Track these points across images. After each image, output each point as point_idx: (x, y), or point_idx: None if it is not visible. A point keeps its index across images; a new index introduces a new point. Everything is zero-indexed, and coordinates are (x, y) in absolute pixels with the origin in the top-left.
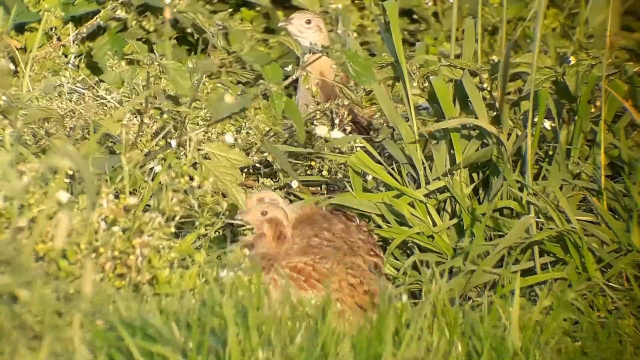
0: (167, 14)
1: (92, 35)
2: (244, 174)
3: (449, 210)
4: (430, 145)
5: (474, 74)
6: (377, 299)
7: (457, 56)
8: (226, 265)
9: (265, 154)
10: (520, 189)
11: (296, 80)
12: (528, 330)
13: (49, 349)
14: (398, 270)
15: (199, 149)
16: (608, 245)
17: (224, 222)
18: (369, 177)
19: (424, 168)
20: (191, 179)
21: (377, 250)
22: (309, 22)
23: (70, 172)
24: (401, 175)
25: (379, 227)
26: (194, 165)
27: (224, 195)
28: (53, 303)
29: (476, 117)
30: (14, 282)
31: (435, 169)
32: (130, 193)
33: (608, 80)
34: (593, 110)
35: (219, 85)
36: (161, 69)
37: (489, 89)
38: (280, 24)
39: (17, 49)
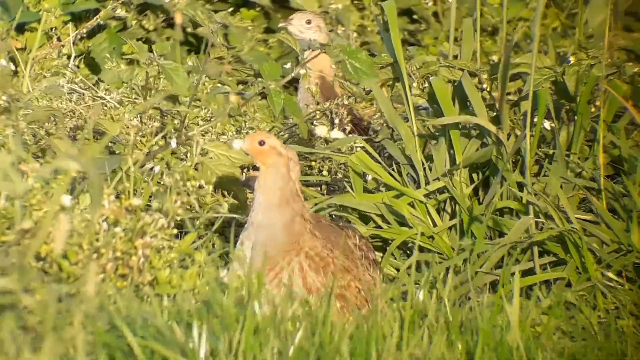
0: (178, 19)
1: (93, 35)
2: (244, 174)
3: (449, 210)
4: (430, 145)
5: (473, 74)
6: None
7: (456, 57)
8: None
9: None
10: (521, 189)
11: (297, 81)
12: (528, 330)
13: (51, 349)
14: (398, 270)
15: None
16: (608, 245)
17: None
18: (369, 178)
19: (424, 168)
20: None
21: (372, 270)
22: (309, 22)
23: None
24: (401, 176)
25: (379, 227)
26: (195, 165)
27: (223, 195)
28: (55, 304)
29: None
30: (16, 284)
31: (435, 169)
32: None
33: (607, 80)
34: (592, 110)
35: (218, 85)
36: (159, 69)
37: (488, 89)
38: (280, 25)
39: (17, 49)
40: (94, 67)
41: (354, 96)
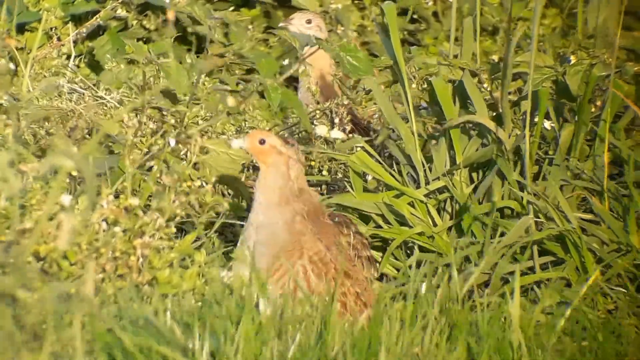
0: (170, 16)
1: (93, 35)
2: (244, 175)
3: (449, 210)
4: (430, 145)
5: (473, 74)
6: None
7: (456, 56)
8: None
9: None
10: (521, 189)
11: (297, 81)
12: (528, 330)
13: (50, 349)
14: (398, 270)
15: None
16: (608, 245)
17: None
18: (369, 177)
19: (424, 168)
20: (192, 179)
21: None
22: (309, 22)
23: (72, 172)
24: (401, 175)
25: (379, 227)
26: (194, 163)
27: (223, 195)
28: (54, 303)
29: None
30: (15, 283)
31: (435, 169)
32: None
33: (609, 80)
34: (593, 110)
35: (218, 84)
36: (158, 68)
37: (489, 89)
38: (280, 24)
39: (17, 49)
40: (95, 67)
41: (352, 100)
